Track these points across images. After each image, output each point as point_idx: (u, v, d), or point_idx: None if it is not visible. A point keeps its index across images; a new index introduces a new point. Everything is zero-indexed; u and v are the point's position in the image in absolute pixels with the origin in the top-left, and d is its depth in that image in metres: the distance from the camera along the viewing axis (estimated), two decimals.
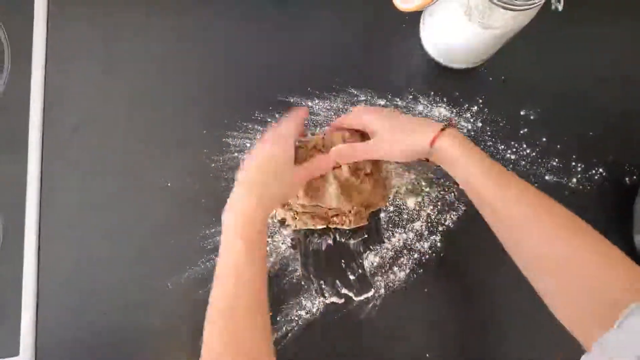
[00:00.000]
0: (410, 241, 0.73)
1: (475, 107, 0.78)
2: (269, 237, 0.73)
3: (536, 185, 0.74)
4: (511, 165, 0.76)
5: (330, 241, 0.73)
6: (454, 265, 0.73)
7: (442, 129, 0.60)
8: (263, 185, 0.59)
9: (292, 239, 0.73)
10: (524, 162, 0.77)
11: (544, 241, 0.52)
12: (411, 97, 0.78)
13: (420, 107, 0.78)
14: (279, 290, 0.71)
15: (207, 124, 0.76)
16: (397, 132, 0.63)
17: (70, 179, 0.75)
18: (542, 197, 0.56)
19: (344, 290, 0.71)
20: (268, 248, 0.73)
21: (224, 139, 0.76)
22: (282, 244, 0.73)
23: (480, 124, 0.77)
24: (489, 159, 0.59)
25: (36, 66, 0.76)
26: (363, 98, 0.77)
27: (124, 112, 0.77)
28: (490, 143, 0.77)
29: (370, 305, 0.71)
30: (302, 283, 0.72)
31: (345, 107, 0.77)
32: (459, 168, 0.59)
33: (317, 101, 0.77)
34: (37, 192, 0.73)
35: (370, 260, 0.73)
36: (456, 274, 0.73)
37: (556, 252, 0.51)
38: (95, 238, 0.73)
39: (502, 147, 0.77)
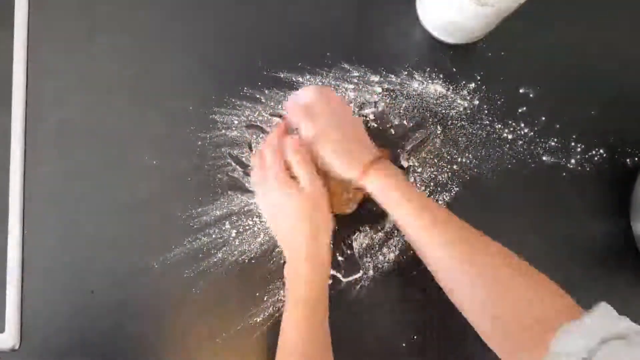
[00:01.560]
0: None
1: (473, 84, 0.75)
2: (256, 216, 0.71)
3: (533, 166, 0.73)
4: (508, 146, 0.74)
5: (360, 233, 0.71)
6: None
7: (372, 162, 0.59)
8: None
9: None
10: (521, 142, 0.74)
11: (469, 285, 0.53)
12: (406, 73, 0.75)
13: (415, 84, 0.75)
14: (266, 270, 0.70)
15: (193, 101, 0.74)
16: (328, 151, 0.60)
17: (54, 155, 0.73)
18: (466, 237, 0.56)
19: (331, 271, 0.70)
20: (256, 228, 0.71)
21: (211, 116, 0.73)
22: None
23: (477, 102, 0.75)
24: (415, 202, 0.57)
25: (18, 46, 0.74)
26: (356, 74, 0.75)
27: (108, 89, 0.75)
28: (487, 122, 0.74)
29: (359, 286, 0.70)
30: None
31: (337, 83, 0.74)
32: (390, 211, 0.59)
33: (307, 77, 0.75)
34: (20, 166, 0.72)
35: (360, 241, 0.71)
36: None
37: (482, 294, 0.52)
38: (81, 214, 0.72)
39: (499, 126, 0.74)
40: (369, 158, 0.59)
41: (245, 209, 0.72)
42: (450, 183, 0.73)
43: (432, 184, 0.73)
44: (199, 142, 0.73)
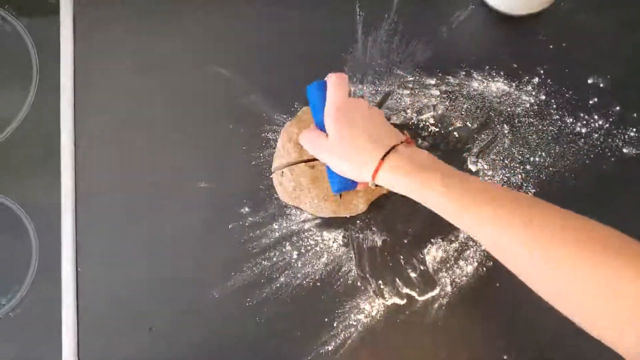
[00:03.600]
0: None
1: (537, 79, 0.70)
2: (318, 235, 0.67)
3: (613, 160, 0.67)
4: (582, 140, 0.68)
5: (385, 236, 0.66)
6: None
7: (384, 157, 0.51)
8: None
9: (343, 237, 0.67)
10: (596, 135, 0.68)
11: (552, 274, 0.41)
12: (464, 73, 0.71)
13: (475, 84, 0.70)
14: (334, 293, 0.65)
15: (244, 120, 0.71)
16: (346, 148, 0.54)
17: (105, 188, 0.70)
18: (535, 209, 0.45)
19: (405, 290, 0.64)
20: (318, 247, 0.66)
21: (263, 134, 0.70)
22: (334, 242, 0.67)
23: (543, 97, 0.70)
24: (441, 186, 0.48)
25: (65, 72, 0.73)
26: (411, 78, 0.71)
27: (156, 113, 0.72)
28: (557, 117, 0.69)
29: (437, 305, 0.64)
30: (359, 284, 0.65)
31: (392, 89, 0.71)
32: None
33: (360, 86, 0.71)
34: (71, 202, 0.69)
35: (432, 254, 0.66)
36: None
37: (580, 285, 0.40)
38: (132, 249, 0.68)
39: (571, 120, 0.69)
40: (383, 150, 0.52)
41: (306, 228, 0.67)
42: (525, 184, 0.67)
43: (505, 185, 0.67)
44: (253, 162, 0.69)
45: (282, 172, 0.64)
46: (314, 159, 0.64)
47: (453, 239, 0.66)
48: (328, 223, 0.67)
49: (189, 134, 0.71)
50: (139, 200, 0.70)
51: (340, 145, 0.53)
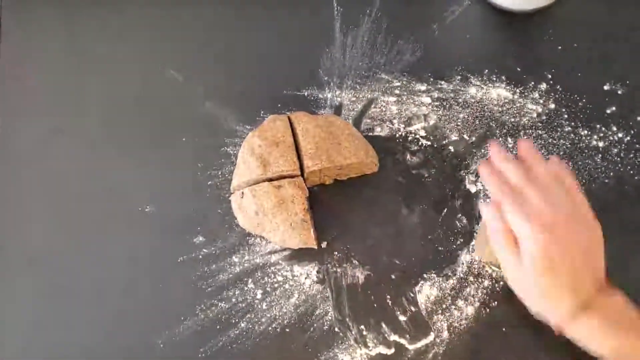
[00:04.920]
0: (477, 264, 0.55)
1: (544, 85, 0.61)
2: (287, 270, 0.55)
3: (637, 178, 0.57)
4: (600, 155, 0.58)
5: (369, 271, 0.55)
6: None
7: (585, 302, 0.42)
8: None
9: (318, 271, 0.55)
10: (616, 150, 0.58)
11: None
12: (459, 77, 0.61)
13: (472, 90, 0.61)
14: (306, 341, 0.53)
15: (200, 131, 0.60)
16: (542, 287, 0.43)
17: (26, 208, 0.59)
18: None
19: (393, 337, 0.53)
20: (287, 285, 0.55)
21: (222, 149, 0.59)
22: (306, 278, 0.55)
23: (553, 106, 0.60)
24: None
25: None
26: (397, 84, 0.61)
27: (93, 122, 0.62)
28: (569, 128, 0.59)
29: (431, 354, 0.52)
30: (336, 330, 0.54)
31: (375, 95, 0.60)
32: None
33: (338, 92, 0.61)
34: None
35: (426, 293, 0.54)
36: None
37: None
38: (60, 286, 0.56)
39: (586, 132, 0.59)
40: (583, 295, 0.43)
41: (272, 261, 0.56)
42: None
43: None
44: (209, 182, 0.58)
45: (242, 192, 0.53)
46: (281, 177, 0.53)
47: (450, 273, 0.55)
48: (299, 255, 0.56)
49: (133, 147, 0.61)
50: (68, 227, 0.58)
51: (537, 283, 0.43)
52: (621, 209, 0.57)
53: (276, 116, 0.56)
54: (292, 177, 0.53)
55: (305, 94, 0.61)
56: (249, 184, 0.53)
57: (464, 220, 0.56)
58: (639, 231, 0.56)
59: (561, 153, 0.58)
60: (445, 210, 0.57)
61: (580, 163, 0.58)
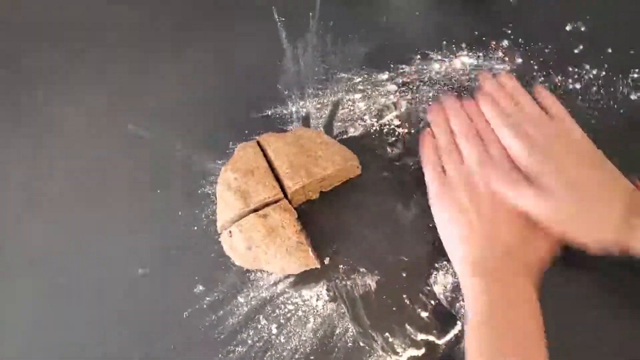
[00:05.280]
0: None
1: (506, 41, 0.59)
2: (296, 297, 0.53)
3: (622, 111, 0.55)
4: (579, 97, 0.56)
5: (378, 275, 0.52)
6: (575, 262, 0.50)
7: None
8: None
9: (327, 289, 0.53)
10: (595, 88, 0.56)
11: None
12: (419, 57, 0.59)
13: (435, 66, 0.59)
14: None
15: (173, 179, 0.58)
16: (577, 202, 0.43)
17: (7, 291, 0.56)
18: None
19: (420, 336, 0.51)
20: (300, 312, 0.52)
21: (200, 190, 0.57)
22: (318, 300, 0.53)
23: (520, 60, 0.58)
24: None
25: None
26: (359, 79, 0.59)
27: (64, 192, 0.59)
28: (542, 78, 0.57)
29: (463, 344, 0.50)
30: (361, 344, 0.51)
31: (339, 97, 0.58)
32: None
33: (302, 103, 0.59)
34: None
35: (441, 282, 0.52)
36: (580, 274, 0.50)
37: None
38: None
39: (560, 78, 0.57)
40: (623, 202, 0.41)
41: (279, 291, 0.53)
42: None
43: None
44: (195, 227, 0.56)
45: (230, 231, 0.51)
46: (265, 204, 0.51)
47: None
48: (304, 278, 0.53)
49: (109, 213, 0.58)
50: (67, 289, 0.55)
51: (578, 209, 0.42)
52: (612, 144, 0.54)
53: (245, 144, 0.54)
54: (276, 202, 0.51)
55: (269, 113, 0.59)
56: (234, 220, 0.51)
57: None
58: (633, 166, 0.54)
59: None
60: None
61: None
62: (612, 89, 0.56)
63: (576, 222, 0.42)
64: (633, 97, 0.55)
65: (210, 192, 0.57)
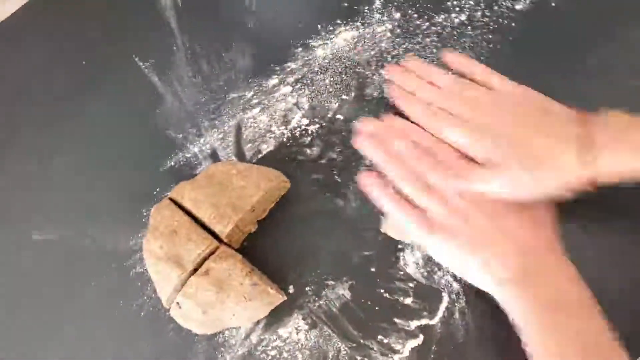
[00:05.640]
0: None
1: (377, 2, 0.56)
2: (274, 339, 0.48)
3: (514, 25, 0.54)
4: (469, 27, 0.54)
5: (348, 280, 0.49)
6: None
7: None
8: None
9: (304, 318, 0.49)
10: (479, 13, 0.55)
11: None
12: (300, 49, 0.56)
13: (319, 52, 0.56)
14: None
15: (98, 275, 0.52)
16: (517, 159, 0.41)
17: None
18: None
19: (413, 324, 0.47)
20: (285, 354, 0.48)
21: (132, 272, 0.52)
22: (298, 333, 0.48)
23: (398, 15, 0.56)
24: None
25: None
26: (250, 93, 0.55)
27: None
28: (427, 24, 0.56)
29: (457, 314, 0.47)
30: (358, 358, 0.47)
31: (237, 119, 0.54)
32: None
33: (202, 140, 0.54)
34: None
35: (411, 261, 0.49)
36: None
37: None
38: None
39: (443, 16, 0.55)
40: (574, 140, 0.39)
41: (254, 342, 0.48)
42: None
43: None
44: (142, 314, 0.50)
45: (177, 302, 0.46)
46: (204, 260, 0.46)
47: None
48: (276, 317, 0.49)
49: (41, 332, 0.51)
50: None
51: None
52: (515, 57, 0.53)
53: (157, 206, 0.49)
54: (213, 252, 0.46)
55: (172, 163, 0.54)
56: (177, 289, 0.46)
57: None
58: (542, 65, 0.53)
59: (434, 51, 0.54)
60: None
61: (457, 46, 0.54)
62: (495, 7, 0.55)
63: (537, 181, 0.40)
64: (518, 7, 0.54)
65: (142, 270, 0.51)
